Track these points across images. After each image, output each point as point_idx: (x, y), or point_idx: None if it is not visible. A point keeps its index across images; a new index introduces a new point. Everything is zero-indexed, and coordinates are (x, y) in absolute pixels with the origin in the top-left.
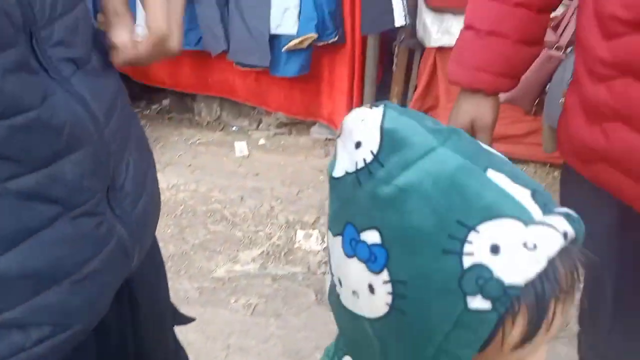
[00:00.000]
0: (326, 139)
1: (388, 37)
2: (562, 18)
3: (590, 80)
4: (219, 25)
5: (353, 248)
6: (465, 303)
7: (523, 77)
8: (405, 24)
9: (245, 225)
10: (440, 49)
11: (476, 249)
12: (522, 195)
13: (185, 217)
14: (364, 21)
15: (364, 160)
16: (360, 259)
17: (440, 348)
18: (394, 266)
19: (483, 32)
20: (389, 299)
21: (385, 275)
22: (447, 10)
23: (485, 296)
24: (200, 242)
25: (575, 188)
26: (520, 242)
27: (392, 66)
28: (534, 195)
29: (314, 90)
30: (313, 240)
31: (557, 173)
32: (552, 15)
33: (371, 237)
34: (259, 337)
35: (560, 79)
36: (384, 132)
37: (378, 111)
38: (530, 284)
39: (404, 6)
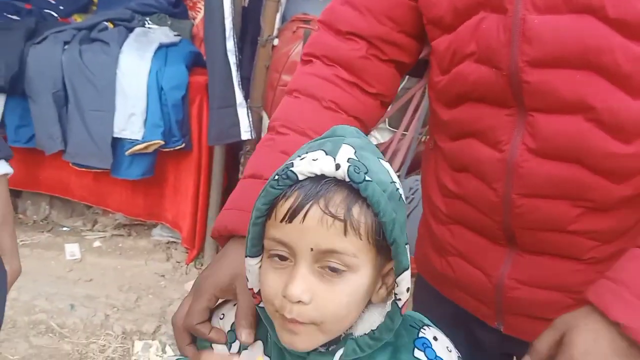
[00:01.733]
0: (168, 241)
1: (234, 146)
2: (390, 144)
3: (435, 222)
4: (56, 126)
5: None
6: (273, 177)
7: None
8: (252, 137)
9: (75, 337)
10: None
11: (294, 163)
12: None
13: (3, 330)
14: (211, 133)
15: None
16: None
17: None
18: None
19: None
20: None
21: None
22: None
23: (281, 174)
24: (21, 357)
25: (425, 292)
26: (313, 157)
27: (238, 174)
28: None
29: (157, 193)
30: (152, 352)
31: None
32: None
33: None
34: None
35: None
36: None
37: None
38: (307, 179)
39: (249, 121)
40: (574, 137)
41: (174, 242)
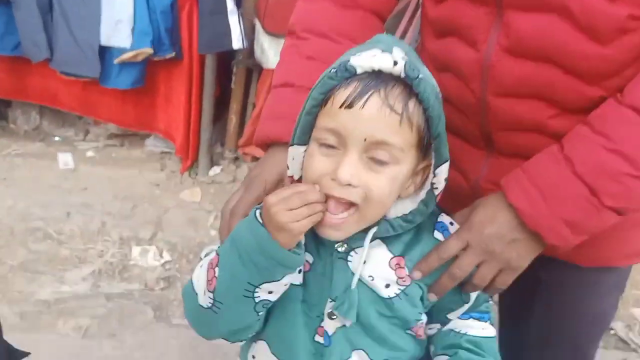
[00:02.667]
0: (162, 152)
1: (227, 55)
2: None
3: None
4: (41, 34)
5: None
6: (330, 71)
7: None
8: (243, 47)
9: (72, 243)
10: None
11: (350, 55)
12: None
13: (2, 237)
14: (201, 41)
15: None
16: None
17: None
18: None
19: (304, 88)
20: None
21: None
22: (284, 36)
23: (335, 67)
24: (19, 263)
25: None
26: (372, 54)
27: (231, 84)
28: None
29: (148, 103)
30: (150, 257)
31: None
32: None
33: None
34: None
35: None
36: None
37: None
38: (365, 73)
39: (241, 30)
40: (548, 35)
41: (168, 152)
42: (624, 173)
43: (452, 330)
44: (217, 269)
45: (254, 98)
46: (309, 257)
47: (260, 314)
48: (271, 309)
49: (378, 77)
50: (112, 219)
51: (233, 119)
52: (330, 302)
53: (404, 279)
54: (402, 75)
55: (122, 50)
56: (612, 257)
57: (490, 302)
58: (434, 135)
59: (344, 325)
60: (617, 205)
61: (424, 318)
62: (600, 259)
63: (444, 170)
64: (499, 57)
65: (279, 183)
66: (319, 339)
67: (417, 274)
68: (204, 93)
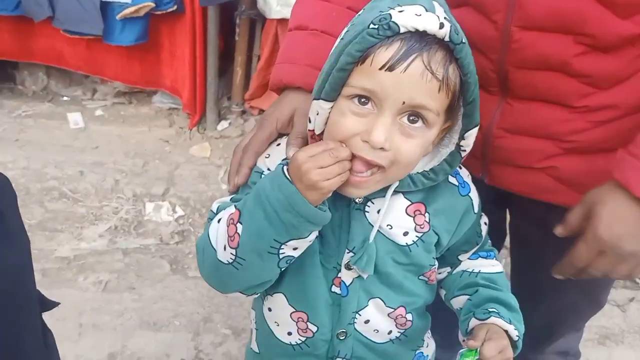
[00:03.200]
0: (170, 108)
1: (229, 7)
2: None
3: None
4: None
5: None
6: (368, 26)
7: None
8: None
9: (88, 201)
10: (281, 21)
11: (391, 11)
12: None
13: (18, 197)
14: None
15: None
16: None
17: (339, 58)
18: (355, 19)
19: (318, 31)
20: (343, 34)
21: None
22: None
23: (378, 24)
24: (37, 221)
25: None
26: (415, 12)
27: (235, 36)
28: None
29: (153, 60)
30: (164, 212)
31: None
32: None
33: None
34: (113, 312)
35: None
36: None
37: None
38: (408, 32)
39: None
40: None
41: (175, 108)
42: None
43: (464, 271)
44: (239, 225)
45: (259, 50)
46: None
47: (282, 269)
48: None
49: (422, 39)
50: (125, 176)
51: (239, 72)
52: (348, 252)
53: (422, 226)
54: (446, 38)
55: (124, 6)
56: None
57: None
58: (468, 101)
59: (360, 275)
60: None
61: (436, 263)
62: None
63: (473, 134)
64: None
65: (290, 122)
66: (335, 289)
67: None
68: (208, 46)
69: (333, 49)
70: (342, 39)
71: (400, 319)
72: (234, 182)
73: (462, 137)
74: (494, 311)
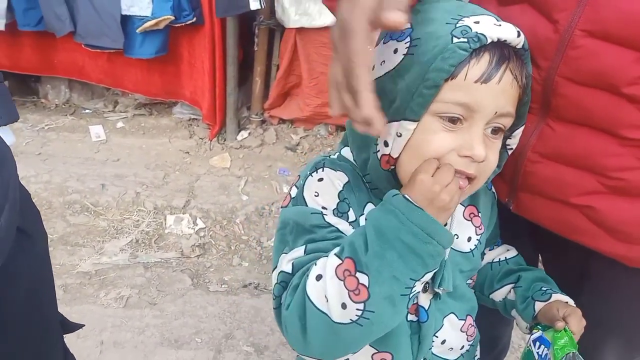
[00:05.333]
0: (190, 118)
1: (248, 17)
2: None
3: None
4: (63, 6)
5: (390, 35)
6: (451, 40)
7: None
8: (261, 7)
9: (109, 215)
10: (300, 30)
11: (464, 22)
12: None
13: (40, 211)
14: (219, 5)
15: None
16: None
17: (425, 75)
18: (413, 34)
19: None
20: (405, 50)
21: (407, 40)
22: None
23: (464, 36)
24: (59, 236)
25: None
26: (492, 22)
27: (254, 46)
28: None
29: (173, 71)
30: (184, 224)
31: None
32: None
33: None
34: (134, 329)
35: None
36: None
37: None
38: (494, 42)
39: None
40: None
41: (195, 119)
42: None
43: (489, 263)
44: (361, 276)
45: (278, 59)
46: None
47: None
48: None
49: (503, 48)
50: (146, 189)
51: (258, 82)
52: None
53: (480, 227)
54: (520, 46)
55: (144, 19)
56: None
57: None
58: (524, 101)
59: (434, 296)
60: None
61: None
62: None
63: (520, 132)
64: None
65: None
66: (411, 317)
67: None
68: (228, 57)
69: (396, 67)
70: (410, 54)
71: (470, 328)
72: (364, 119)
73: (508, 137)
74: (548, 289)
